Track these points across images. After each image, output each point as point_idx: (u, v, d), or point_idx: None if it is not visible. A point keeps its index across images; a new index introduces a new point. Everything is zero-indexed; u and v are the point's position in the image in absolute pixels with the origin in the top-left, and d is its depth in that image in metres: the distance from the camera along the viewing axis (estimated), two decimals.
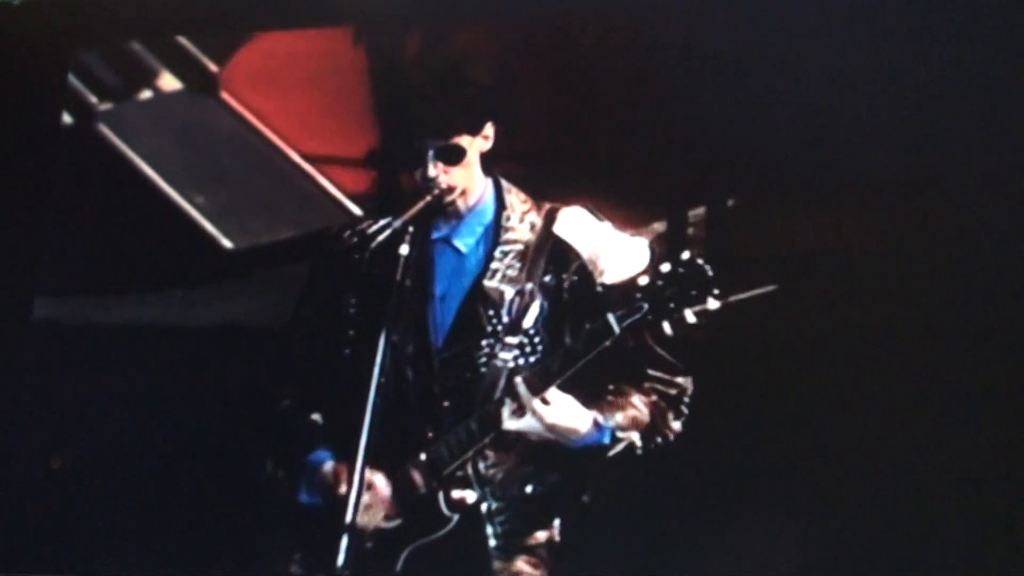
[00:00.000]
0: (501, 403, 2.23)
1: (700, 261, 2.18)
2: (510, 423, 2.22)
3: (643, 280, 2.19)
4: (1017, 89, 2.27)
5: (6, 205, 2.73)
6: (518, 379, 2.22)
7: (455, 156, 2.33)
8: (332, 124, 2.65)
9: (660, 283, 2.17)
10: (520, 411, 2.21)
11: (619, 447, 2.24)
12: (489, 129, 2.36)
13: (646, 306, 2.17)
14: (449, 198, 2.34)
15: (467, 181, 2.35)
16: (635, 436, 2.25)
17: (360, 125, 2.62)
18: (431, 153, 2.32)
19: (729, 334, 2.24)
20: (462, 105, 2.39)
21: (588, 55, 2.53)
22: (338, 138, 2.64)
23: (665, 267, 2.18)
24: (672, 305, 2.16)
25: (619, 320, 2.18)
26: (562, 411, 2.22)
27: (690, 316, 2.16)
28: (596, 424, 2.24)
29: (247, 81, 2.72)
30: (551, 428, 2.22)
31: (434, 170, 2.32)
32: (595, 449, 2.24)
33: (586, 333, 2.20)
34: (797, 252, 2.33)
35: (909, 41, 2.34)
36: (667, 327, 2.17)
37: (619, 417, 2.25)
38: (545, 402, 2.21)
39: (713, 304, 2.16)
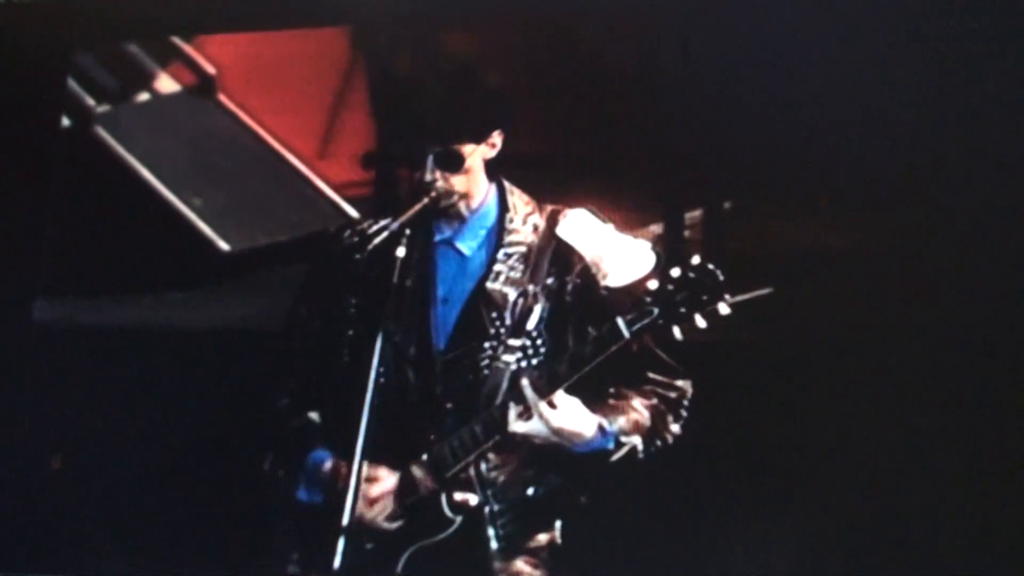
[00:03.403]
0: (506, 406, 2.22)
1: (711, 266, 2.18)
2: (516, 426, 2.21)
3: (652, 284, 2.20)
4: (1017, 89, 2.29)
5: (6, 208, 2.73)
6: (524, 382, 2.22)
7: (454, 163, 2.33)
8: (329, 125, 2.65)
9: (670, 287, 2.18)
10: (526, 414, 2.21)
11: (621, 452, 2.25)
12: (496, 137, 2.36)
13: (656, 310, 2.18)
14: (447, 202, 2.33)
15: (468, 186, 2.34)
16: (637, 440, 2.26)
17: (358, 126, 2.63)
18: (430, 158, 2.33)
19: (725, 336, 2.24)
20: (470, 112, 2.38)
21: (585, 57, 2.54)
22: (336, 140, 2.65)
23: (675, 271, 2.19)
24: (683, 310, 2.17)
25: (629, 324, 2.18)
26: (568, 415, 2.22)
27: (700, 321, 2.17)
28: (601, 429, 2.24)
29: (244, 82, 2.72)
30: (557, 432, 2.21)
31: (431, 175, 2.32)
32: (599, 454, 2.24)
33: (594, 337, 2.20)
34: (794, 254, 2.34)
35: (906, 41, 2.35)
36: (677, 332, 2.18)
37: (621, 421, 2.26)
38: (552, 405, 2.20)
39: (724, 309, 2.17)
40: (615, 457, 2.24)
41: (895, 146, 2.33)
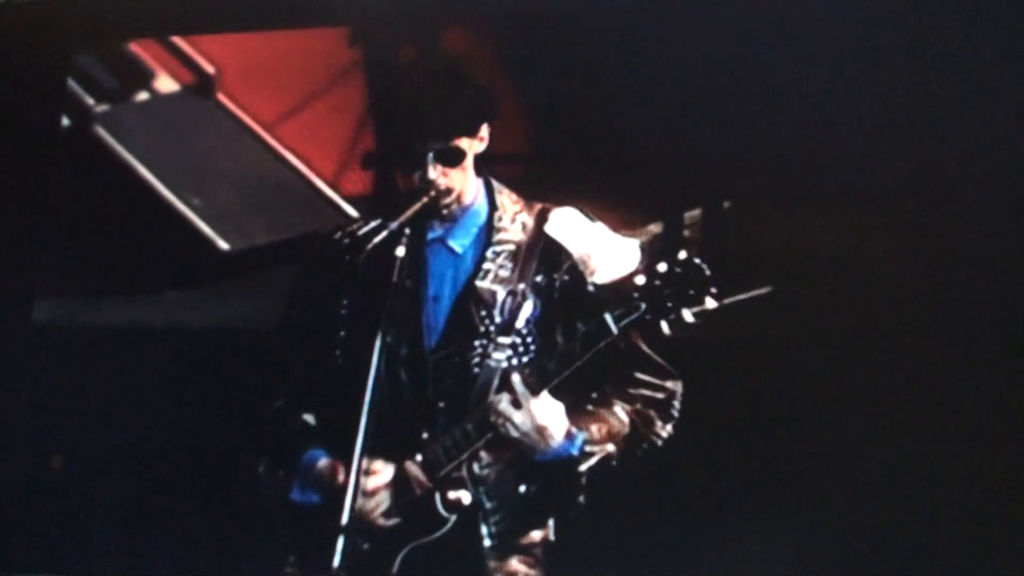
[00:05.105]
0: (499, 398, 2.22)
1: (698, 260, 2.18)
2: (504, 408, 2.21)
3: (640, 280, 2.20)
4: (1017, 89, 2.27)
5: (6, 208, 2.74)
6: (515, 377, 2.22)
7: (455, 159, 2.33)
8: (329, 125, 2.65)
9: (658, 283, 2.18)
10: (516, 404, 2.21)
11: (593, 460, 2.24)
12: (484, 131, 2.37)
13: (644, 306, 2.18)
14: (446, 200, 2.34)
15: (463, 183, 2.35)
16: (610, 448, 2.25)
17: (357, 126, 2.63)
18: (431, 156, 2.33)
19: (723, 336, 2.23)
20: (462, 107, 2.38)
21: (582, 55, 2.53)
22: (335, 139, 2.65)
23: (662, 267, 2.19)
24: (670, 304, 2.17)
25: (616, 320, 2.18)
26: (551, 416, 2.22)
27: (688, 316, 2.16)
28: (568, 434, 2.24)
29: (244, 82, 2.73)
30: (539, 430, 2.21)
31: (434, 172, 2.33)
32: (564, 461, 2.23)
33: (583, 333, 2.20)
34: (793, 254, 2.32)
35: (906, 41, 2.33)
36: (665, 327, 2.18)
37: (593, 429, 2.25)
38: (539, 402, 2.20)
39: (711, 303, 2.17)
40: (584, 466, 2.23)
41: (896, 146, 2.31)
